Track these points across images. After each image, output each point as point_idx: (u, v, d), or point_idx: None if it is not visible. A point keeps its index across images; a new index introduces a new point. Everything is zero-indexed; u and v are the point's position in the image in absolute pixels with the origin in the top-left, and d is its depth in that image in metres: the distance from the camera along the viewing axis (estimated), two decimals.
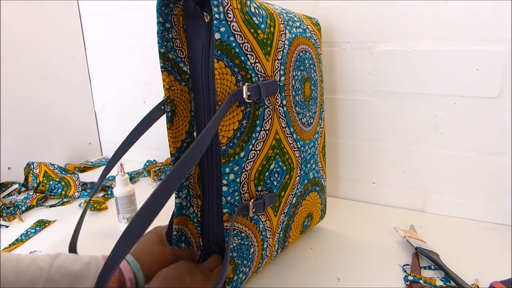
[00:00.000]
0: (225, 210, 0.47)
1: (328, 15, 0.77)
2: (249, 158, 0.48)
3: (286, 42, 0.54)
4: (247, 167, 0.48)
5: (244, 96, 0.45)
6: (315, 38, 0.63)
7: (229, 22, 0.43)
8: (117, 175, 0.72)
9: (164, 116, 0.52)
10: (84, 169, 1.11)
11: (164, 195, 0.35)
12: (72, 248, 0.54)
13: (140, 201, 0.75)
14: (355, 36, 0.76)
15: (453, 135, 0.72)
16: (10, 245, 0.69)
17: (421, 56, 0.71)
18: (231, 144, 0.46)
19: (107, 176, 0.56)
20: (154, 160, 1.12)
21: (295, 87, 0.56)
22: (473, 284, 0.53)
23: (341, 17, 0.76)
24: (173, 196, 0.52)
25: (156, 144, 1.13)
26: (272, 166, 0.52)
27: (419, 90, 0.73)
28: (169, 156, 1.14)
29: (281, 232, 0.58)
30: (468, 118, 0.70)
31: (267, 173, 0.51)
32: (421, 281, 0.53)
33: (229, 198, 0.47)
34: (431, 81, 0.71)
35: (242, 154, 0.47)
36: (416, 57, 0.72)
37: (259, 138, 0.49)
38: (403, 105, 0.75)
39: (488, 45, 0.66)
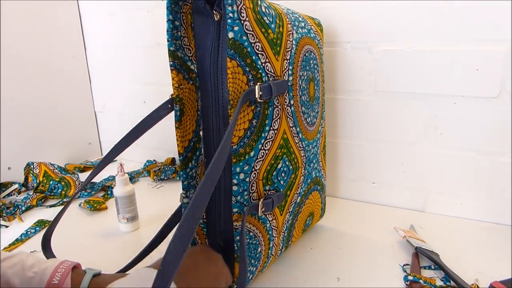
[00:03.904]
0: (234, 210, 0.47)
1: (328, 15, 0.77)
2: (259, 157, 0.48)
3: (294, 42, 0.54)
4: (256, 166, 0.48)
5: (256, 96, 0.45)
6: (318, 39, 0.64)
7: (242, 21, 0.43)
8: (117, 175, 0.72)
9: (166, 115, 0.51)
10: (84, 169, 1.11)
11: (202, 203, 0.34)
12: (46, 243, 0.52)
13: (140, 201, 0.75)
14: (355, 36, 0.76)
15: (453, 135, 0.72)
16: (10, 245, 0.69)
17: (421, 56, 0.71)
18: (241, 144, 0.46)
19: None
20: (154, 160, 1.12)
21: (301, 87, 0.56)
22: (473, 284, 0.53)
23: (341, 17, 0.77)
24: (182, 195, 0.53)
25: (156, 144, 1.13)
26: (279, 166, 0.52)
27: (419, 90, 0.73)
28: (169, 156, 1.14)
29: (286, 231, 0.58)
30: (468, 118, 0.70)
31: (274, 172, 0.52)
32: (421, 281, 0.53)
33: (238, 197, 0.47)
34: (431, 81, 0.71)
35: (252, 154, 0.47)
36: (416, 57, 0.72)
37: (268, 137, 0.49)
38: (403, 105, 0.75)
39: (488, 45, 0.66)
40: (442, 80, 0.71)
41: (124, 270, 0.53)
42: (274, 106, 0.50)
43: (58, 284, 0.40)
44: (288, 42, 0.52)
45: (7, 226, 0.77)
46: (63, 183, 0.92)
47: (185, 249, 0.31)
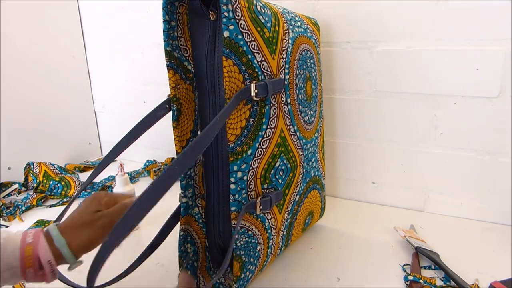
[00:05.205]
0: (232, 208, 0.47)
1: (328, 15, 0.77)
2: (256, 156, 0.48)
3: (290, 41, 0.54)
4: (254, 165, 0.48)
5: (252, 94, 0.45)
6: (315, 38, 0.64)
7: (237, 20, 0.44)
8: (117, 175, 0.72)
9: (164, 116, 0.51)
10: (84, 169, 1.11)
11: (164, 185, 0.35)
12: None
13: None
14: (355, 36, 0.76)
15: (453, 135, 0.72)
16: None
17: (421, 56, 0.71)
18: (238, 142, 0.46)
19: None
20: (154, 160, 1.12)
21: (298, 85, 0.56)
22: (473, 284, 0.53)
23: (341, 17, 0.77)
24: (180, 195, 0.53)
25: (156, 144, 1.13)
26: (277, 164, 0.52)
27: (419, 90, 0.73)
28: (169, 156, 1.14)
29: (285, 230, 0.58)
30: (468, 118, 0.70)
31: (272, 171, 0.52)
32: (421, 281, 0.53)
33: (236, 196, 0.47)
34: (431, 81, 0.71)
35: (249, 152, 0.47)
36: (416, 57, 0.72)
37: (265, 136, 0.49)
38: (403, 105, 0.75)
39: (488, 45, 0.66)
40: (442, 80, 0.71)
41: (126, 273, 0.53)
42: (271, 104, 0.50)
43: (33, 243, 0.41)
44: (284, 41, 0.52)
45: (7, 226, 0.77)
46: (63, 183, 0.92)
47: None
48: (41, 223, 0.77)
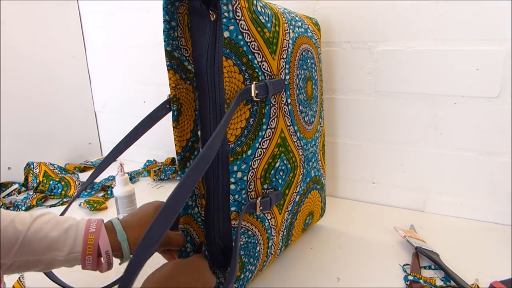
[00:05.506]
0: (232, 208, 0.47)
1: (328, 15, 0.77)
2: (256, 156, 0.48)
3: (290, 41, 0.54)
4: (254, 165, 0.48)
5: (252, 95, 0.45)
6: (316, 38, 0.64)
7: (237, 21, 0.44)
8: (117, 175, 0.72)
9: (164, 116, 0.52)
10: (84, 169, 1.11)
11: (181, 199, 0.36)
12: None
13: (140, 201, 0.75)
14: (355, 36, 0.76)
15: (453, 135, 0.72)
16: None
17: (421, 56, 0.71)
18: (238, 142, 0.46)
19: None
20: (154, 160, 1.12)
21: (298, 85, 0.56)
22: (473, 284, 0.53)
23: (341, 17, 0.77)
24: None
25: (156, 144, 1.13)
26: (277, 164, 0.52)
27: (419, 90, 0.73)
28: (169, 156, 1.14)
29: (285, 230, 0.58)
30: (468, 118, 0.70)
31: (272, 171, 0.52)
32: (421, 281, 0.53)
33: (236, 196, 0.47)
34: (431, 81, 0.71)
35: (249, 152, 0.47)
36: (416, 57, 0.72)
37: (265, 136, 0.49)
38: (403, 105, 0.75)
39: (488, 45, 0.66)
40: (442, 80, 0.71)
41: None
42: (271, 104, 0.50)
43: (95, 232, 0.44)
44: (285, 41, 0.52)
45: None
46: (63, 183, 0.92)
47: (157, 243, 0.34)
48: None
